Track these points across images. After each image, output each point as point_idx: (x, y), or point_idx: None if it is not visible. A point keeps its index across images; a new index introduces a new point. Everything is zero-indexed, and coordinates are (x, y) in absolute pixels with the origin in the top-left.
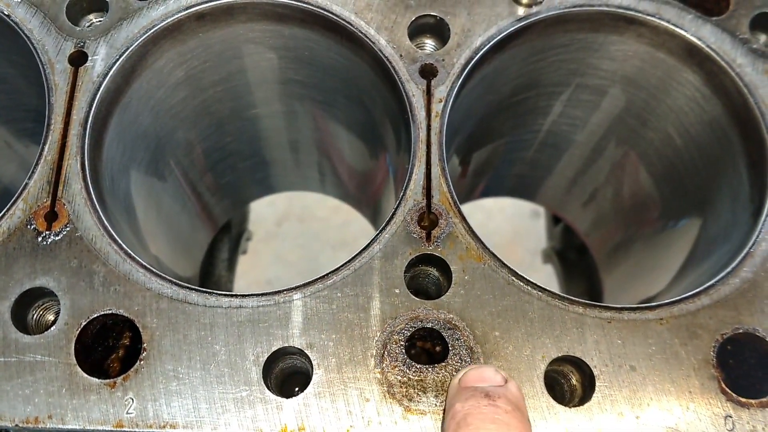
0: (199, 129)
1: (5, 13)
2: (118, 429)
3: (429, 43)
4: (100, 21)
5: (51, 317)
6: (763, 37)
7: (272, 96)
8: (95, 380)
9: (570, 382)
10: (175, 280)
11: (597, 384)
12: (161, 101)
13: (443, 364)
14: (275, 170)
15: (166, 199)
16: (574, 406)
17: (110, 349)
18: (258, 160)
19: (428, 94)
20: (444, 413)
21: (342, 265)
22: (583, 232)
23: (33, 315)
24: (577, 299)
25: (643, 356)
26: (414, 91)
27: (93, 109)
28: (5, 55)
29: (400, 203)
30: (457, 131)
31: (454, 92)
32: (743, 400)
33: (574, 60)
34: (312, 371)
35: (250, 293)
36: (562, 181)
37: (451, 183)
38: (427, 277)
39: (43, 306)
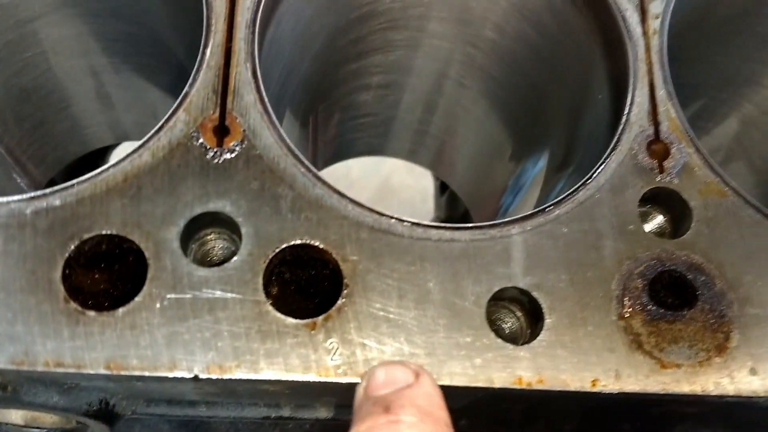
0: (329, 71)
1: None
2: (323, 378)
3: None
4: None
5: (225, 250)
6: None
7: (425, 50)
8: (291, 320)
9: None
10: (376, 209)
11: None
12: (304, 27)
13: (693, 310)
14: (394, 131)
15: None
16: None
17: (303, 284)
18: (385, 116)
19: (642, 9)
20: None
21: (564, 197)
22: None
23: (207, 245)
24: None
25: None
26: (626, 5)
27: (260, 10)
28: None
29: (624, 129)
30: None
31: (671, 8)
32: None
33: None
34: (544, 316)
35: (461, 225)
36: None
37: (681, 109)
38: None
39: (219, 236)
